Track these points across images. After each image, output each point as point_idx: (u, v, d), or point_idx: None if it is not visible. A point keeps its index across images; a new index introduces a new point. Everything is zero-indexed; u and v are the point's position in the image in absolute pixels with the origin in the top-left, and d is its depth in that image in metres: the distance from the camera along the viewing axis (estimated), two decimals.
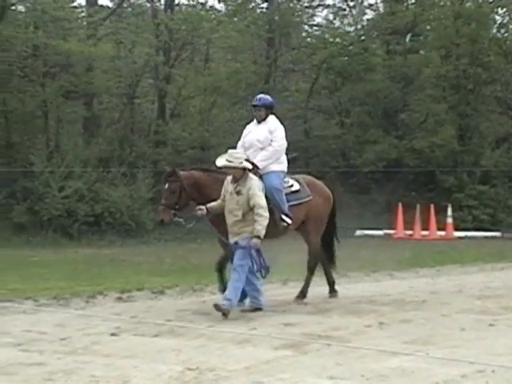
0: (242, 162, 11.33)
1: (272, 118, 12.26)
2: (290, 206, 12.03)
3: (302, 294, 12.89)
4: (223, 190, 11.45)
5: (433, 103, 34.57)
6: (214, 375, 7.90)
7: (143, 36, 31.00)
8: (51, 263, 19.41)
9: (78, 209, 25.56)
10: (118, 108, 30.96)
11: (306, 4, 37.23)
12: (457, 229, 29.35)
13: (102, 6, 31.62)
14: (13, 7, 30.25)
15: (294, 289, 13.90)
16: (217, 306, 11.10)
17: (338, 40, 35.12)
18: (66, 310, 12.22)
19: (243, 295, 11.74)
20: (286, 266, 15.38)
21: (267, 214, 11.13)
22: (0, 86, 27.79)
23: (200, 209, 11.34)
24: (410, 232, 28.97)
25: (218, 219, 11.56)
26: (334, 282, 13.51)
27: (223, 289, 11.95)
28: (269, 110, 12.22)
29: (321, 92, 36.39)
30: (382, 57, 36.75)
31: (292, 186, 12.31)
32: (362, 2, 37.63)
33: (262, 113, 12.13)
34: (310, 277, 12.99)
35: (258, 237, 11.07)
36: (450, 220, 29.40)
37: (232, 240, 11.41)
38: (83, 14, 32.37)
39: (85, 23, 31.71)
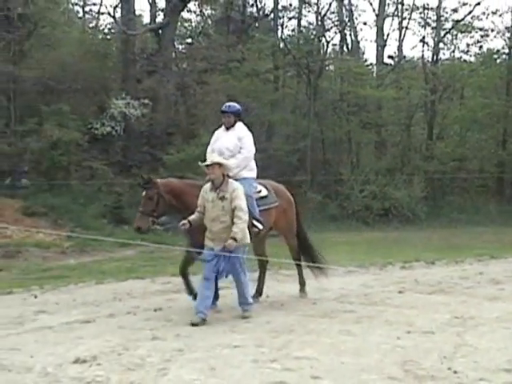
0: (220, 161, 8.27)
1: (240, 125, 9.22)
2: (259, 212, 9.08)
3: (303, 285, 10.09)
4: (200, 201, 8.28)
5: None
6: (474, 322, 7.88)
7: (416, 82, 30.69)
8: (354, 243, 19.72)
9: (372, 205, 25.71)
10: (399, 134, 30.82)
11: None
12: None
13: (386, 64, 31.62)
14: (326, 67, 31.19)
15: None
16: (243, 316, 8.33)
17: None
18: (367, 274, 12.43)
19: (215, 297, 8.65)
20: None
21: (246, 218, 8.21)
22: (319, 121, 28.64)
23: (184, 224, 8.16)
24: None
25: (195, 228, 8.34)
26: (304, 283, 10.10)
27: (190, 293, 8.97)
28: (237, 116, 9.18)
29: None
30: None
31: (260, 191, 9.32)
32: None
33: (230, 119, 9.09)
34: (301, 268, 10.08)
35: (235, 239, 8.01)
36: None
37: (217, 247, 8.14)
38: (374, 70, 32.63)
39: (375, 75, 31.93)
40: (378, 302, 9.30)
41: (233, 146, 8.91)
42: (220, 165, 8.13)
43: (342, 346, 6.69)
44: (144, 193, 8.60)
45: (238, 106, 9.27)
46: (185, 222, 8.15)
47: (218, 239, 8.11)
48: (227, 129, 9.14)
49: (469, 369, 5.91)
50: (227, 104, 9.30)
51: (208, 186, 8.29)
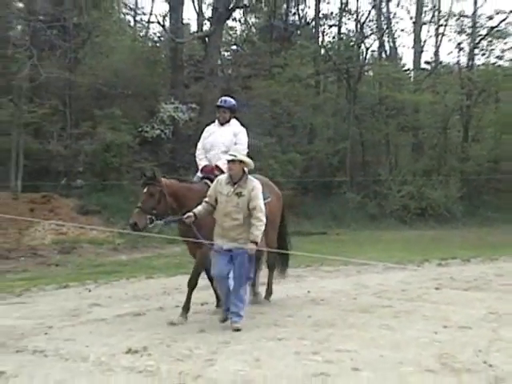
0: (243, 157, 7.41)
1: (235, 122, 8.56)
2: None
3: (269, 292, 9.18)
4: (212, 192, 7.42)
5: None
6: (509, 318, 7.77)
7: (452, 87, 30.25)
8: (392, 241, 19.61)
9: (410, 204, 25.54)
10: (435, 136, 30.43)
11: None
12: None
13: (423, 69, 31.26)
14: (365, 73, 30.98)
15: None
16: (233, 328, 7.20)
17: None
18: (405, 271, 12.29)
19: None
20: None
21: (265, 219, 7.29)
22: (359, 124, 28.50)
23: (189, 216, 7.27)
24: None
25: (201, 221, 7.47)
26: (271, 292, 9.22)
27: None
28: (232, 112, 8.54)
29: None
30: None
31: None
32: None
33: (226, 115, 8.45)
34: (272, 274, 9.27)
35: (255, 242, 7.13)
36: None
37: (226, 246, 7.28)
38: (411, 75, 32.28)
39: (412, 80, 31.59)
40: (415, 298, 9.22)
41: (228, 141, 8.32)
42: (241, 161, 7.34)
43: (381, 340, 6.66)
44: (145, 189, 7.56)
45: (233, 102, 8.62)
46: (190, 214, 7.32)
47: (228, 237, 7.27)
48: (221, 124, 8.51)
49: (504, 362, 5.84)
50: (223, 99, 8.67)
51: (224, 177, 7.45)
